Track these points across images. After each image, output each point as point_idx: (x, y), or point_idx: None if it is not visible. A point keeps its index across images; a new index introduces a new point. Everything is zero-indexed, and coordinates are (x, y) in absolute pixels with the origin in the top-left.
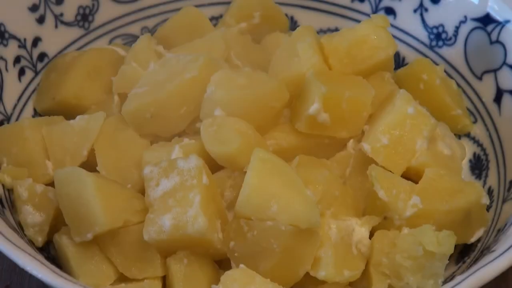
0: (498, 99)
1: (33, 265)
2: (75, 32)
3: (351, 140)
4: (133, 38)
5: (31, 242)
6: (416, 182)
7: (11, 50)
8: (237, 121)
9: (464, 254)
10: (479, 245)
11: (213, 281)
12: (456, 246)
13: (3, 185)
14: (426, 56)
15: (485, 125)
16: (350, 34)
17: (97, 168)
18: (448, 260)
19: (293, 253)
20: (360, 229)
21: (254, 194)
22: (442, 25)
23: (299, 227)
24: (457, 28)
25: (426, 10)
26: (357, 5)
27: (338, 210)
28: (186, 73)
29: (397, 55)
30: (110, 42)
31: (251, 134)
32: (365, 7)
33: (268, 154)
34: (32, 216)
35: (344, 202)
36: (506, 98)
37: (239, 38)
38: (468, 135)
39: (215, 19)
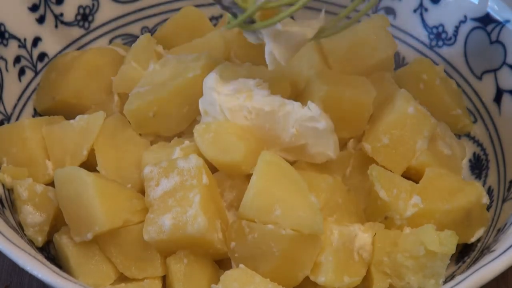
0: (498, 99)
1: (33, 265)
2: (75, 32)
3: (351, 140)
4: (133, 38)
5: (31, 242)
6: (417, 182)
7: (11, 50)
8: (232, 126)
9: (464, 254)
10: (479, 245)
11: (213, 281)
12: (456, 246)
13: (3, 185)
14: (426, 56)
15: (485, 125)
16: (350, 34)
17: (97, 168)
18: (449, 260)
19: (293, 258)
20: (362, 235)
21: (258, 197)
22: (442, 25)
23: (302, 232)
24: (457, 28)
25: (426, 10)
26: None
27: (341, 217)
28: (189, 72)
29: (397, 55)
30: (110, 42)
31: (250, 138)
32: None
33: (275, 158)
34: (32, 216)
35: (347, 209)
36: (506, 98)
37: (239, 38)
38: (468, 135)
39: (215, 19)
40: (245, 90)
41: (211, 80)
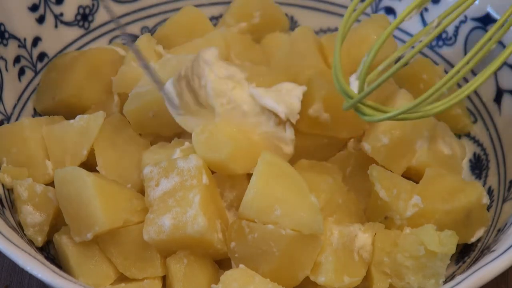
0: (498, 99)
1: (33, 265)
2: (75, 32)
3: (352, 140)
4: (133, 38)
5: (31, 242)
6: (417, 182)
7: (11, 50)
8: (228, 125)
9: (464, 254)
10: (479, 245)
11: (213, 281)
12: (456, 246)
13: (3, 185)
14: (426, 56)
15: (485, 125)
16: (350, 34)
17: (97, 168)
18: (449, 260)
19: (293, 258)
20: (362, 235)
21: (258, 197)
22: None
23: (302, 232)
24: (457, 28)
25: (426, 10)
26: (357, 5)
27: (341, 217)
28: None
29: None
30: (110, 42)
31: (242, 138)
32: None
33: (275, 158)
34: (32, 216)
35: (347, 210)
36: (506, 98)
37: (239, 38)
38: (468, 135)
39: (215, 19)
40: (236, 80)
41: (210, 55)
